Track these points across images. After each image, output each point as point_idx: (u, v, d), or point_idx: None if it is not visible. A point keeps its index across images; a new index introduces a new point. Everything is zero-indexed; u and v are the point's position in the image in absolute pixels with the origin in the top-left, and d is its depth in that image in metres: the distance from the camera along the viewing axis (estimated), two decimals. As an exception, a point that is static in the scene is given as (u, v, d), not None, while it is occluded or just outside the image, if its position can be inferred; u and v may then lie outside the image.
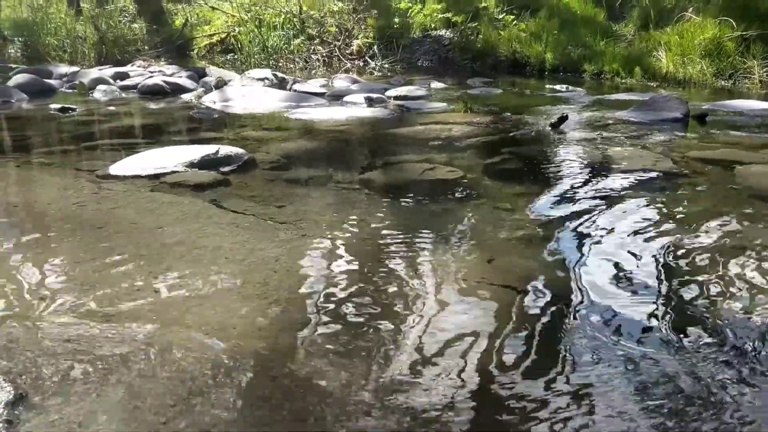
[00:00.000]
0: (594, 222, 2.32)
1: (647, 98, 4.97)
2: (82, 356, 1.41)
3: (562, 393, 1.30)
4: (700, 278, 1.84)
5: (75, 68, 7.46)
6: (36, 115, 5.03)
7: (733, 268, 1.91)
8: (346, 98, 5.53)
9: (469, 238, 2.19)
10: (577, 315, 1.63)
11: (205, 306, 1.66)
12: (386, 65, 8.41)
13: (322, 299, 1.72)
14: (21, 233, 2.22)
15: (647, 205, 2.51)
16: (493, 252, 2.04)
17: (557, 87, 6.43)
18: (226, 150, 3.18)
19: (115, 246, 2.07)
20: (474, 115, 4.65)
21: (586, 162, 3.25)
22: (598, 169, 3.10)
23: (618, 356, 1.44)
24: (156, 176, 2.88)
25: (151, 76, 6.61)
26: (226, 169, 3.02)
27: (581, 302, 1.70)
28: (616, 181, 2.85)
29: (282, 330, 1.55)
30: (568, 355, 1.45)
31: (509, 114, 4.71)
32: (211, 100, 5.49)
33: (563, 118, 4.14)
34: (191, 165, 3.00)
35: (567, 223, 2.31)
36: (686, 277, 1.86)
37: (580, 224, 2.29)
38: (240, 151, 3.23)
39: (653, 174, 2.97)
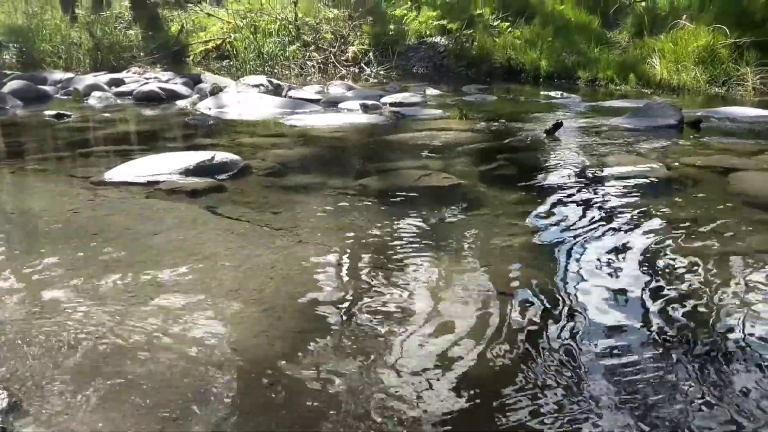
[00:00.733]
0: (589, 229, 2.32)
1: (642, 105, 5.00)
2: (77, 363, 1.41)
3: (561, 393, 1.31)
4: (694, 285, 1.85)
5: (70, 75, 7.43)
6: (31, 121, 5.02)
7: (726, 274, 1.92)
8: (341, 105, 5.54)
9: (465, 244, 2.19)
10: (572, 321, 1.63)
11: (200, 313, 1.66)
12: (381, 72, 8.43)
13: (317, 306, 1.72)
14: (15, 240, 2.21)
15: (642, 212, 2.52)
16: (488, 259, 2.04)
17: (552, 94, 6.46)
18: (221, 156, 3.18)
19: (110, 253, 2.06)
20: (469, 122, 4.66)
21: (580, 169, 3.26)
22: (593, 176, 3.11)
23: (610, 365, 1.44)
24: (151, 183, 2.87)
25: (147, 83, 6.60)
26: (222, 175, 3.02)
27: (576, 309, 1.70)
28: (610, 188, 2.86)
29: (277, 337, 1.55)
30: (565, 357, 1.45)
31: (504, 121, 4.73)
32: (207, 107, 5.49)
33: (558, 125, 4.15)
34: (186, 171, 2.99)
35: (562, 231, 2.31)
36: (678, 283, 1.86)
37: (575, 231, 2.30)
38: (235, 157, 3.23)
39: (648, 180, 2.98)
